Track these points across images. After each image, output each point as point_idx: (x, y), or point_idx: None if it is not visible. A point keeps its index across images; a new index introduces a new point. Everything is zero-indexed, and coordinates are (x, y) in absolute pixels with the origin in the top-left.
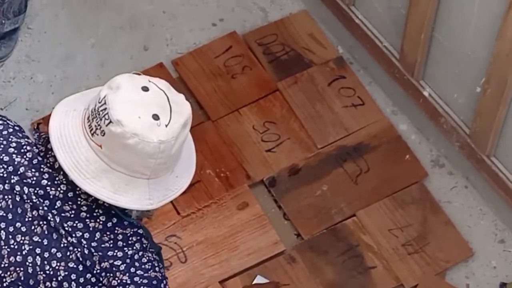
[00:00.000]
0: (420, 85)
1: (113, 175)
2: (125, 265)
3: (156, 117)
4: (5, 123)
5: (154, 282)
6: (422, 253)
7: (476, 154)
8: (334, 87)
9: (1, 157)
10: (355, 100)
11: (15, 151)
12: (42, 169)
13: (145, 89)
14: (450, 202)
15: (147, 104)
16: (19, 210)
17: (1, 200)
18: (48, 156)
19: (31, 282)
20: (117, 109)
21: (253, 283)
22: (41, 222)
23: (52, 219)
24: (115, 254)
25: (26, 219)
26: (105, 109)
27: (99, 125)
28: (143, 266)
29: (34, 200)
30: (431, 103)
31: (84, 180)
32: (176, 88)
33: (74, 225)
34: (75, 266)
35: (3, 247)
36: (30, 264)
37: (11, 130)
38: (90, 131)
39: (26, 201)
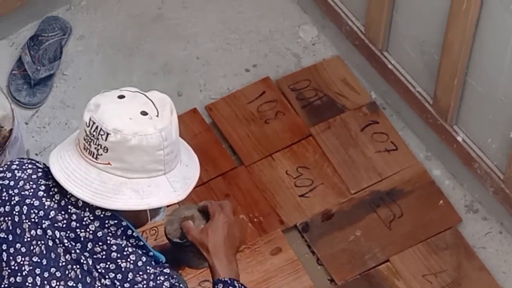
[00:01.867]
0: (454, 130)
1: (133, 183)
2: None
3: (144, 113)
4: (34, 166)
5: None
6: None
7: (510, 199)
8: (367, 132)
9: (32, 201)
10: (388, 145)
11: (45, 195)
12: (70, 210)
13: (121, 97)
14: (485, 248)
15: (130, 106)
16: (53, 255)
17: (35, 246)
18: (70, 196)
19: None
20: (108, 121)
21: None
22: (74, 266)
23: (85, 262)
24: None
25: (60, 264)
26: (96, 127)
27: (98, 144)
28: None
29: (66, 244)
30: (465, 148)
31: (109, 201)
32: (210, 133)
33: (107, 266)
34: None
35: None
36: None
37: (40, 174)
38: (92, 156)
39: (58, 245)
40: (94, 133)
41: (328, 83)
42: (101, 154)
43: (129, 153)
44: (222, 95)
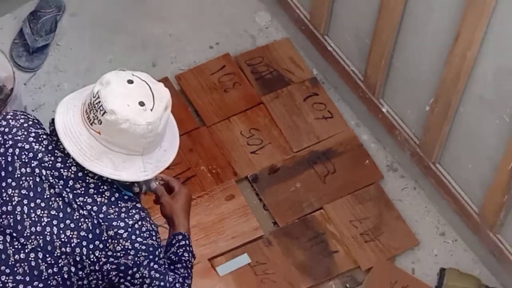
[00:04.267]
0: (380, 103)
1: (113, 155)
2: (127, 233)
3: (142, 103)
4: (25, 117)
5: (151, 249)
6: (376, 241)
7: (424, 161)
8: (308, 102)
9: (23, 145)
10: (326, 114)
11: (34, 140)
12: (56, 154)
13: (130, 82)
14: (401, 200)
15: (133, 94)
16: (39, 189)
17: (24, 181)
18: (59, 144)
19: (49, 248)
20: (109, 101)
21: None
22: (57, 199)
23: (66, 196)
24: (118, 224)
25: (45, 196)
26: (99, 102)
27: (96, 116)
28: (142, 234)
29: (51, 180)
30: (388, 118)
31: (89, 162)
32: (178, 99)
33: (85, 200)
34: (85, 234)
35: (26, 219)
36: (48, 233)
37: (30, 122)
38: (89, 121)
39: (44, 181)
40: (96, 105)
41: (278, 60)
42: (95, 124)
43: (117, 132)
44: (190, 67)
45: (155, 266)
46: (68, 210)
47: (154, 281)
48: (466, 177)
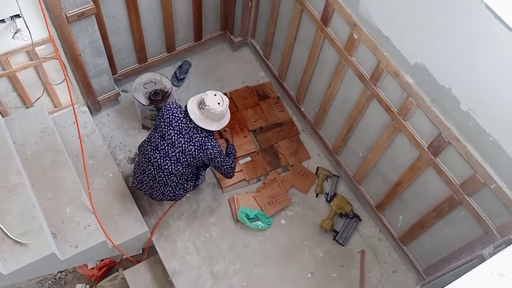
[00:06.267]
0: (302, 106)
1: (207, 120)
2: (211, 146)
3: (219, 103)
4: (176, 104)
5: (219, 151)
6: (296, 155)
7: (315, 129)
8: (276, 105)
9: (175, 115)
10: (281, 109)
11: (179, 113)
12: (186, 119)
13: (215, 94)
14: (306, 142)
15: (216, 99)
16: (179, 131)
17: (174, 128)
18: (188, 115)
19: (183, 151)
20: (207, 101)
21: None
22: (186, 134)
23: (189, 133)
24: (207, 143)
25: (182, 134)
26: (203, 101)
27: (202, 106)
28: (216, 146)
29: (185, 128)
30: (303, 112)
31: (198, 122)
32: (231, 101)
33: (195, 135)
34: (196, 147)
35: (175, 142)
36: (183, 147)
37: (178, 106)
38: (199, 108)
39: (182, 128)
40: (202, 102)
41: (265, 89)
42: (202, 109)
43: (209, 113)
44: (234, 89)
45: (221, 157)
46: (191, 139)
47: (222, 162)
48: (329, 134)
